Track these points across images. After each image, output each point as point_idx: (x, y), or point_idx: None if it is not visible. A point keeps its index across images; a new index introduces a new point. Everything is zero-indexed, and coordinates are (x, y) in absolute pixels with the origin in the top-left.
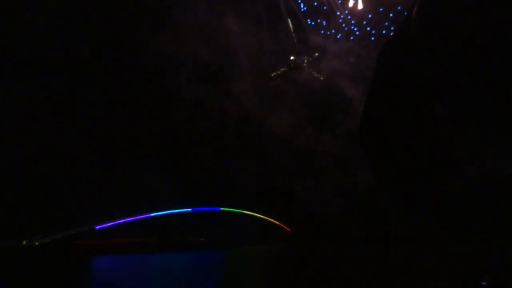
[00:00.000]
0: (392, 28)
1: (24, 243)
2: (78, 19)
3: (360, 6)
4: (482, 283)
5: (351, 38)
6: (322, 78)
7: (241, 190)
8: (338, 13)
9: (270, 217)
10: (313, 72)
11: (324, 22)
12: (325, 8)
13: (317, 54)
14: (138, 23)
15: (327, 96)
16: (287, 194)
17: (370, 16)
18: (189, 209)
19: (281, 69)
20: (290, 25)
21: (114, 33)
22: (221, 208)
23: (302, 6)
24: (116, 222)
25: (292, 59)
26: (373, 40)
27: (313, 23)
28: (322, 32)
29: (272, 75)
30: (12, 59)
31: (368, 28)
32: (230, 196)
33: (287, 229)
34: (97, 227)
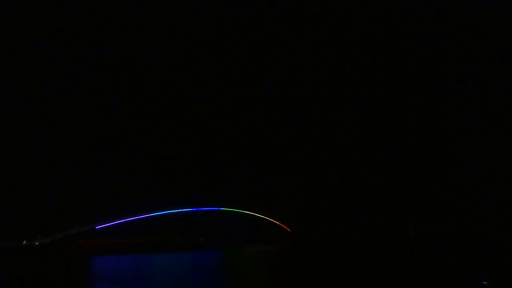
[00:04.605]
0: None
1: (24, 243)
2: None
3: None
4: (483, 283)
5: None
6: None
7: (241, 190)
8: None
9: (270, 217)
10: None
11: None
12: None
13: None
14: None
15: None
16: (286, 194)
17: None
18: (189, 209)
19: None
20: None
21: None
22: (221, 208)
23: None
24: (116, 222)
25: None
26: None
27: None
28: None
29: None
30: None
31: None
32: (230, 196)
33: (287, 229)
34: (97, 227)
